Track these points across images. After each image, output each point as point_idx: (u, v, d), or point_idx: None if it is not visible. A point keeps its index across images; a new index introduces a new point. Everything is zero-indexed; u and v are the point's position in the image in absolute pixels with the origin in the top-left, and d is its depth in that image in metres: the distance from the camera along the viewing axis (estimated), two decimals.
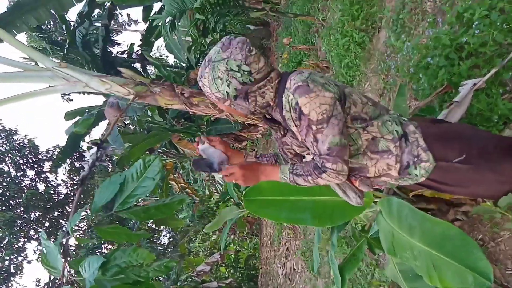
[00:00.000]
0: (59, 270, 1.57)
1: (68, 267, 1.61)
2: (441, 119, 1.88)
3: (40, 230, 14.50)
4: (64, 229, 14.17)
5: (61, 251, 1.67)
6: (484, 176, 1.41)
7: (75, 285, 1.66)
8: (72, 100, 10.87)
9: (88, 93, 7.48)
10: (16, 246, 14.35)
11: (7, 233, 13.43)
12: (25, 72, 2.02)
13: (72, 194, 14.93)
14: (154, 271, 1.64)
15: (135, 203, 1.68)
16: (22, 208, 14.04)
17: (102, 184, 1.73)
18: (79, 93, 8.21)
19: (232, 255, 9.48)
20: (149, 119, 7.03)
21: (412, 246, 1.48)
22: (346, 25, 3.72)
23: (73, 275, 1.69)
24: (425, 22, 2.72)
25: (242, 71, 1.22)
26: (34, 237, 14.74)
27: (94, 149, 1.75)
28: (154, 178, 1.62)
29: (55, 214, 14.77)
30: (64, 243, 1.71)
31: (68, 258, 1.71)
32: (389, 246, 1.63)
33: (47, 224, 14.79)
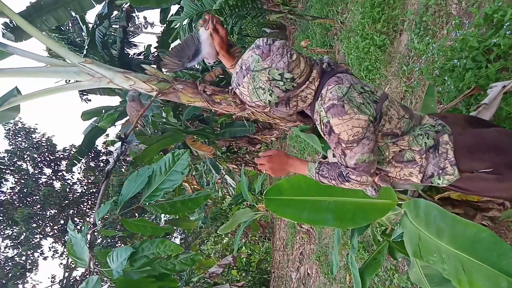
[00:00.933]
0: (85, 260, 1.59)
1: (93, 258, 1.63)
2: (476, 117, 1.83)
3: (55, 226, 14.73)
4: (89, 220, 14.36)
5: (87, 241, 1.68)
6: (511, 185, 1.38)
7: (102, 275, 1.67)
8: (90, 100, 11.06)
9: (108, 91, 7.59)
10: (32, 242, 14.60)
11: (24, 228, 13.69)
12: (52, 67, 2.06)
13: (87, 192, 15.13)
14: (181, 264, 1.64)
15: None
16: (39, 205, 14.29)
17: (130, 176, 1.74)
18: (97, 93, 8.34)
19: (244, 258, 9.46)
20: (164, 120, 7.09)
21: (440, 249, 1.44)
22: (367, 27, 3.69)
23: (98, 266, 1.70)
24: (450, 25, 2.67)
25: (285, 79, 1.17)
26: (50, 234, 14.97)
27: (119, 143, 1.77)
28: (182, 172, 1.62)
29: (70, 212, 14.98)
30: (89, 234, 1.72)
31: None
32: (415, 249, 1.59)
33: (62, 221, 15.02)
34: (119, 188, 11.57)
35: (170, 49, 1.49)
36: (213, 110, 2.08)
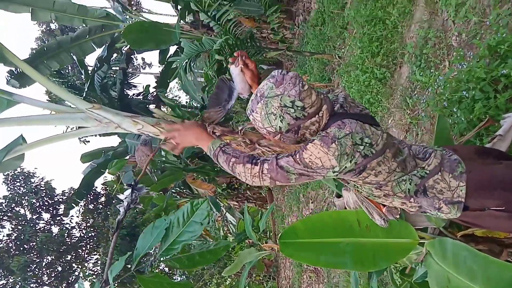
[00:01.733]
0: None
1: None
2: (487, 148, 1.80)
3: (53, 274, 14.18)
4: (95, 275, 13.84)
5: None
6: None
7: None
8: (89, 141, 11.04)
9: (108, 134, 7.59)
10: None
11: (19, 278, 13.17)
12: (58, 114, 2.03)
13: (86, 236, 14.74)
14: None
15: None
16: (36, 253, 13.85)
17: (146, 229, 1.65)
18: (95, 134, 8.35)
19: None
20: (163, 159, 7.04)
21: None
22: (367, 61, 3.74)
23: None
24: (452, 57, 2.70)
25: (295, 106, 1.21)
26: (47, 283, 14.39)
27: (128, 191, 1.70)
28: (202, 223, 1.54)
29: (68, 258, 14.51)
30: None
31: None
32: None
33: (59, 268, 14.51)
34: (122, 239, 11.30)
35: (207, 102, 1.61)
36: None
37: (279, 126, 1.24)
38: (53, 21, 6.50)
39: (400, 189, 1.37)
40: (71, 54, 6.64)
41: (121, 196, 1.74)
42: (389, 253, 1.80)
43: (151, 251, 1.92)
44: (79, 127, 2.18)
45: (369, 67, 3.73)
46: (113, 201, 14.16)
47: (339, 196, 2.05)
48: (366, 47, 3.81)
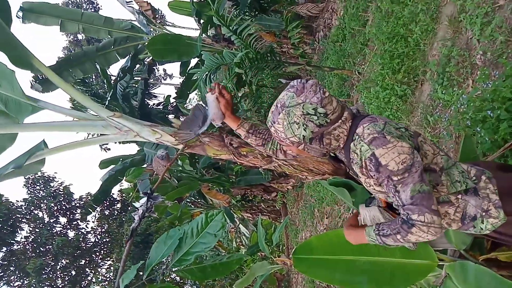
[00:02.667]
0: None
1: None
2: (508, 165, 1.76)
3: (66, 278, 14.34)
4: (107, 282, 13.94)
5: None
6: None
7: None
8: (109, 149, 11.26)
9: (127, 142, 7.73)
10: None
11: (34, 280, 13.39)
12: (80, 121, 2.07)
13: (100, 242, 14.91)
14: None
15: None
16: (51, 256, 14.09)
17: (159, 238, 1.66)
18: (115, 142, 8.53)
19: None
20: (180, 168, 7.10)
21: None
22: (387, 78, 3.71)
23: None
24: (475, 75, 2.65)
25: (318, 113, 1.20)
26: (60, 286, 14.56)
27: (144, 199, 1.72)
28: (215, 235, 1.53)
29: (82, 262, 14.68)
30: None
31: None
32: None
33: (73, 272, 14.68)
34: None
35: (181, 123, 1.69)
36: (238, 162, 2.04)
37: (303, 135, 1.23)
38: (81, 33, 6.75)
39: (456, 189, 1.30)
40: (96, 63, 6.86)
41: (136, 204, 1.76)
42: (407, 274, 1.74)
43: (163, 260, 1.92)
44: (99, 134, 2.23)
45: (389, 83, 3.69)
46: (129, 208, 14.33)
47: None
48: (387, 64, 3.78)
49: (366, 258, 1.80)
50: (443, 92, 2.89)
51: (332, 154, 1.48)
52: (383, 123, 1.23)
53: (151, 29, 7.21)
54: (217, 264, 1.69)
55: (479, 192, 1.32)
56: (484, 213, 1.31)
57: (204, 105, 1.59)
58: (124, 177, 5.97)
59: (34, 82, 6.07)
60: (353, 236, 1.48)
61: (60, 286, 14.54)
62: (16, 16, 5.84)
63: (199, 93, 7.83)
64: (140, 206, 1.70)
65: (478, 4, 2.66)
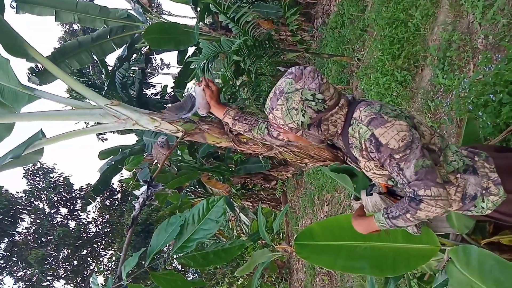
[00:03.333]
0: None
1: None
2: (505, 147, 1.76)
3: (69, 267, 14.48)
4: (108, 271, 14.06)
5: None
6: None
7: None
8: (106, 139, 11.23)
9: (126, 130, 7.69)
10: (44, 284, 14.33)
11: (37, 271, 13.49)
12: (77, 109, 2.05)
13: (101, 232, 15.00)
14: None
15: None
16: (53, 246, 14.18)
17: (160, 225, 1.65)
18: (114, 132, 8.50)
19: None
20: (179, 158, 7.09)
21: None
22: (387, 64, 3.67)
23: None
24: (477, 59, 2.62)
25: (316, 99, 1.22)
26: (63, 276, 14.70)
27: (144, 187, 1.71)
28: (217, 221, 1.52)
29: (84, 252, 14.79)
30: None
31: None
32: None
33: (75, 262, 14.80)
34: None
35: (170, 106, 1.79)
36: (238, 150, 2.02)
37: (301, 121, 1.25)
38: (76, 23, 6.65)
39: (453, 167, 1.32)
40: (92, 53, 6.78)
41: (136, 193, 1.75)
42: (409, 259, 1.74)
43: (164, 248, 1.92)
44: (97, 123, 2.20)
45: (389, 69, 3.66)
46: (129, 198, 14.37)
47: (357, 199, 2.00)
48: (386, 50, 3.73)
49: (368, 243, 1.80)
50: (444, 77, 2.86)
51: (329, 142, 1.50)
52: (379, 105, 1.26)
53: (148, 18, 7.11)
54: (219, 251, 1.68)
55: (478, 171, 1.33)
56: (484, 191, 1.32)
57: (194, 95, 1.71)
58: (124, 166, 5.96)
59: (30, 75, 6.00)
60: (363, 225, 1.50)
61: (63, 275, 14.67)
62: (10, 6, 5.74)
63: (197, 82, 7.79)
64: (141, 194, 1.69)
65: None
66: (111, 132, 8.71)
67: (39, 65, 5.89)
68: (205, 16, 6.19)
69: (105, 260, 15.42)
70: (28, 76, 5.99)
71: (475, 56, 2.65)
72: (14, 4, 5.69)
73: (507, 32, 2.33)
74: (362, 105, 1.28)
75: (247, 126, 1.69)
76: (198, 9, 6.47)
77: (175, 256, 1.56)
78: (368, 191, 1.68)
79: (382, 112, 1.23)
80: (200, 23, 6.28)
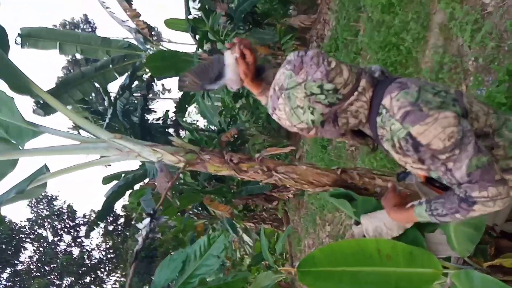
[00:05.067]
0: None
1: None
2: None
3: None
4: None
5: None
6: None
7: None
8: (110, 165, 11.26)
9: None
10: None
11: None
12: (81, 144, 2.10)
13: (105, 258, 14.85)
14: None
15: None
16: (56, 274, 14.02)
17: (163, 262, 1.67)
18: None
19: None
20: (181, 181, 7.12)
21: None
22: None
23: None
24: (468, 81, 2.68)
25: (325, 91, 0.98)
26: None
27: (147, 220, 1.73)
28: (219, 256, 1.54)
29: (87, 280, 14.61)
30: None
31: None
32: None
33: None
34: None
35: (191, 69, 1.35)
36: (239, 178, 2.06)
37: (311, 120, 1.02)
38: (79, 54, 6.83)
39: (508, 129, 1.08)
40: (94, 83, 6.93)
41: (139, 226, 1.77)
42: (412, 283, 1.74)
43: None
44: (101, 156, 2.25)
45: None
46: (132, 222, 14.30)
47: (357, 223, 2.02)
48: None
49: (370, 268, 1.80)
50: None
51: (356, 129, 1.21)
52: (417, 90, 0.99)
53: (148, 46, 7.29)
54: (221, 285, 1.69)
55: None
56: None
57: (223, 61, 1.30)
58: (128, 198, 6.01)
59: (35, 107, 6.15)
60: (401, 217, 1.37)
61: None
62: (15, 42, 5.93)
63: (198, 106, 7.89)
64: (143, 228, 1.71)
65: (467, 11, 2.70)
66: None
67: (44, 99, 6.03)
68: (204, 43, 6.36)
69: (109, 287, 15.21)
70: (33, 109, 6.13)
71: (466, 78, 2.72)
72: (19, 39, 5.88)
73: (496, 55, 2.40)
74: (393, 89, 1.01)
75: None
76: (197, 37, 6.66)
77: None
78: (401, 177, 1.56)
79: (421, 102, 0.96)
80: (199, 50, 6.44)
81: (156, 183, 2.05)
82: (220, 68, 1.30)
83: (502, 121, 1.10)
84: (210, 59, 1.36)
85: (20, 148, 2.21)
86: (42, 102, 6.15)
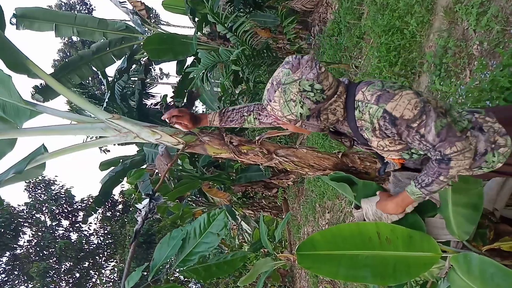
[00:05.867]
0: None
1: None
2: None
3: (71, 280, 14.39)
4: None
5: None
6: None
7: None
8: (109, 151, 11.25)
9: (127, 143, 7.72)
10: None
11: (38, 284, 13.42)
12: (79, 124, 2.07)
13: (103, 244, 14.94)
14: None
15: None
16: (55, 259, 14.13)
17: (162, 239, 1.66)
18: (115, 144, 8.52)
19: None
20: (180, 167, 7.10)
21: None
22: (384, 71, 3.70)
23: None
24: (473, 65, 2.64)
25: (315, 90, 1.19)
26: None
27: (146, 200, 1.72)
28: (218, 234, 1.53)
29: (86, 264, 14.72)
30: None
31: None
32: None
33: (77, 274, 14.71)
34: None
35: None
36: (239, 161, 2.04)
37: (300, 113, 1.22)
38: (75, 36, 6.73)
39: (461, 126, 1.33)
40: (92, 66, 6.83)
41: (139, 206, 1.75)
42: (411, 267, 1.74)
43: (167, 261, 1.92)
44: (99, 137, 2.22)
45: (386, 76, 3.69)
46: (130, 209, 14.36)
47: (357, 207, 2.01)
48: (383, 57, 3.77)
49: (369, 252, 1.80)
50: (441, 83, 2.89)
51: (332, 129, 1.48)
52: (380, 82, 1.25)
53: (146, 29, 7.18)
54: (221, 263, 1.69)
55: (483, 127, 1.34)
56: (493, 145, 1.32)
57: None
58: (126, 179, 5.97)
59: (34, 93, 6.06)
60: (396, 204, 1.52)
61: None
62: (10, 22, 5.81)
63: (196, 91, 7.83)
64: (143, 208, 1.70)
65: None
66: (112, 144, 8.73)
67: (42, 82, 5.96)
68: (203, 26, 6.26)
69: (107, 272, 15.35)
70: (32, 94, 6.06)
71: (471, 62, 2.68)
72: (14, 20, 5.76)
73: (501, 38, 2.36)
74: (362, 86, 1.26)
75: (236, 124, 1.69)
76: (196, 19, 6.55)
77: (177, 270, 1.56)
78: (381, 171, 1.71)
79: (386, 87, 1.21)
80: (198, 33, 6.35)
81: (155, 165, 2.03)
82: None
83: (448, 105, 1.36)
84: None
85: (18, 127, 2.18)
86: (41, 86, 6.08)
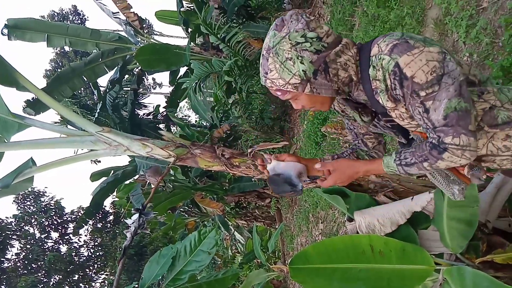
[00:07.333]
0: None
1: None
2: None
3: None
4: None
5: None
6: None
7: None
8: (99, 161, 11.14)
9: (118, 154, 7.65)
10: None
11: None
12: (68, 137, 2.04)
13: (94, 256, 14.69)
14: None
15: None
16: (44, 272, 13.83)
17: (152, 257, 1.62)
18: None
19: None
20: (172, 177, 7.05)
21: None
22: None
23: None
24: None
25: (309, 39, 1.02)
26: None
27: (136, 215, 1.69)
28: (209, 252, 1.50)
29: (75, 277, 14.43)
30: None
31: None
32: None
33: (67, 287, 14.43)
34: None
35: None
36: (231, 174, 2.02)
37: (303, 70, 1.02)
38: (68, 47, 6.70)
39: (507, 97, 1.07)
40: (84, 77, 6.79)
41: (128, 221, 1.72)
42: (405, 280, 1.73)
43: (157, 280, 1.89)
44: (89, 150, 2.19)
45: None
46: (121, 220, 14.18)
47: (351, 220, 2.00)
48: None
49: (363, 265, 1.78)
50: None
51: (348, 97, 1.20)
52: (400, 33, 1.03)
53: (139, 39, 7.18)
54: (212, 281, 1.65)
55: None
56: None
57: (275, 175, 1.40)
58: (116, 193, 5.90)
59: (26, 106, 6.01)
60: (368, 167, 1.29)
61: None
62: (1, 33, 5.77)
63: (189, 101, 7.82)
64: (132, 223, 1.67)
65: (463, 7, 2.69)
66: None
67: (34, 96, 5.92)
68: (196, 36, 6.28)
69: (97, 285, 15.05)
70: (23, 107, 6.01)
71: None
72: (5, 31, 5.72)
73: (491, 50, 2.39)
74: (378, 39, 1.05)
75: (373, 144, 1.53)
76: (189, 30, 6.57)
77: None
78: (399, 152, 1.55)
79: (406, 37, 0.99)
80: (191, 43, 6.36)
81: (147, 177, 2.01)
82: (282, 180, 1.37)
83: (486, 77, 1.12)
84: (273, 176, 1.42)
85: (6, 141, 2.13)
86: (32, 100, 6.02)
